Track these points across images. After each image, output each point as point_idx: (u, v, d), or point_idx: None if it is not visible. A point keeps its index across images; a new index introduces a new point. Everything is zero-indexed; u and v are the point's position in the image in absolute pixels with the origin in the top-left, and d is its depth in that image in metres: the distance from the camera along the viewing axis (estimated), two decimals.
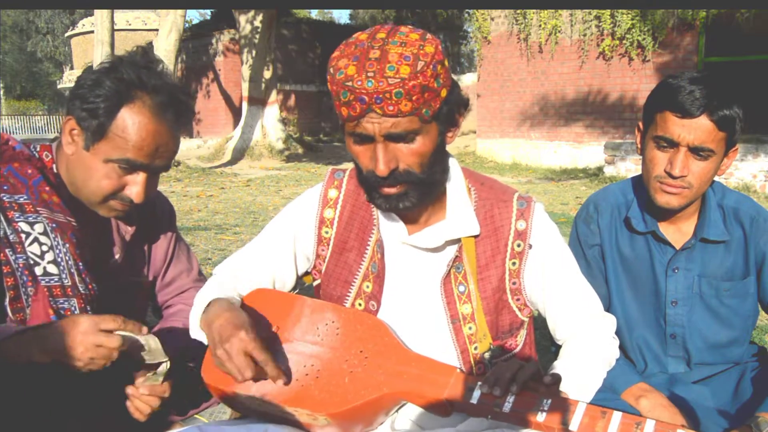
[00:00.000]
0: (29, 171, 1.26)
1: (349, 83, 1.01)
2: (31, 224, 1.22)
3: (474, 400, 1.01)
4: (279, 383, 1.09)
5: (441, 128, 1.12)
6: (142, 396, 1.25)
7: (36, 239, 1.22)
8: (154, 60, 1.30)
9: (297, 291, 1.37)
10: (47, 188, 1.27)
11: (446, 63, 1.06)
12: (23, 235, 1.21)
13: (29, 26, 41.73)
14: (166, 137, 1.27)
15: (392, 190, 1.11)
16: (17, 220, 1.21)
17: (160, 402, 1.26)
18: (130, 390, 1.25)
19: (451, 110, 1.12)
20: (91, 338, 1.09)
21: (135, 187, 1.27)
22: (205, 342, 1.17)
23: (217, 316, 1.09)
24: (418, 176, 1.10)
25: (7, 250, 1.19)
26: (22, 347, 1.10)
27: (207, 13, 25.47)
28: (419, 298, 1.23)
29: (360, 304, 1.24)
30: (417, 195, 1.13)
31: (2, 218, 1.18)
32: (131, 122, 1.22)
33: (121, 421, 1.28)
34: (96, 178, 1.25)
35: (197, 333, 1.20)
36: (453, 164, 1.25)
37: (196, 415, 1.55)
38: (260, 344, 1.03)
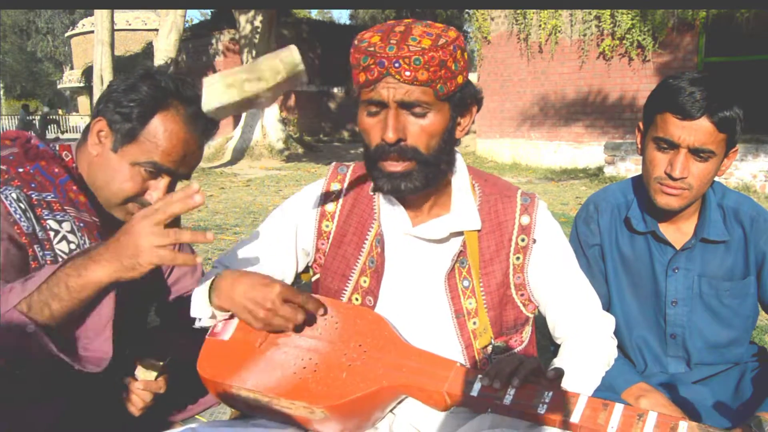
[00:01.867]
0: (56, 170, 1.27)
1: (371, 49, 1.06)
2: (59, 222, 1.23)
3: (474, 393, 1.01)
4: (276, 375, 1.09)
5: (453, 113, 1.14)
6: (137, 390, 1.28)
7: (64, 237, 1.23)
8: (186, 77, 1.35)
9: None
10: (74, 187, 1.28)
11: (466, 55, 1.11)
12: (51, 233, 1.21)
13: (29, 26, 41.75)
14: (194, 147, 1.30)
15: (397, 168, 1.11)
16: (46, 217, 1.21)
17: (152, 397, 1.29)
18: (129, 382, 1.28)
19: (464, 98, 1.14)
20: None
21: (156, 192, 1.29)
22: (205, 320, 1.18)
23: (235, 284, 1.11)
24: (423, 155, 1.11)
25: (35, 247, 1.19)
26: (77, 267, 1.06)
27: (207, 13, 25.47)
28: (422, 293, 1.23)
29: (357, 299, 1.24)
30: (421, 177, 1.13)
31: (32, 215, 1.19)
32: (163, 128, 1.25)
33: (120, 420, 1.28)
34: (119, 180, 1.26)
35: (201, 310, 1.18)
36: (459, 159, 1.26)
37: (196, 416, 1.56)
38: (292, 289, 1.10)
